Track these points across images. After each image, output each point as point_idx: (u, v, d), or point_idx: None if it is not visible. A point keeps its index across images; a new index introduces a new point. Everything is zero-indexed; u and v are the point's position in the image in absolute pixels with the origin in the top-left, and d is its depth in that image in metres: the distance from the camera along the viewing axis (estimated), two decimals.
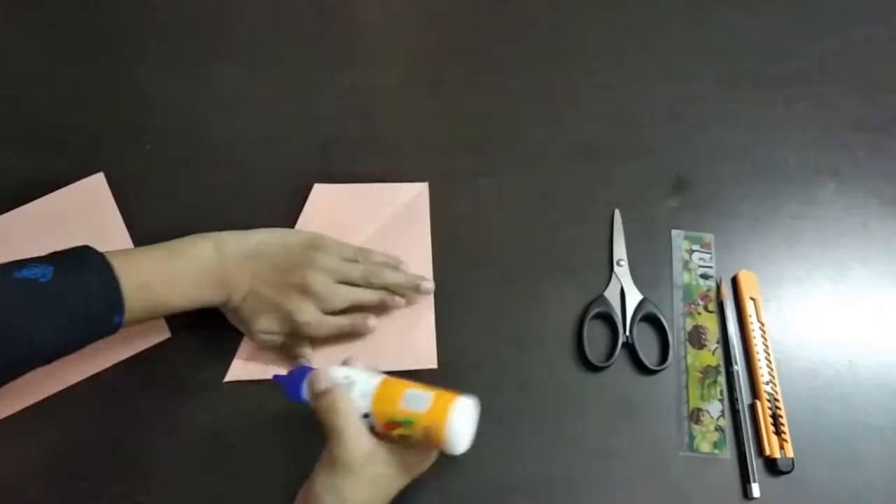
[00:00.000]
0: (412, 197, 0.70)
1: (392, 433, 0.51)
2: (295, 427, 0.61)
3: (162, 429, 0.61)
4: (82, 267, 0.52)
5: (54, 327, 0.51)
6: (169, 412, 0.61)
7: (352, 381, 0.52)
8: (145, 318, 0.56)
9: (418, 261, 0.66)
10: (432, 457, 0.53)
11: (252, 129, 0.74)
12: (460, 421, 0.49)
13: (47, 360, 0.53)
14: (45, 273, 0.50)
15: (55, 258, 0.52)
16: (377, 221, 0.69)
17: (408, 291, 0.64)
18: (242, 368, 0.62)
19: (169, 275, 0.56)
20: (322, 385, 0.50)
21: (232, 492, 0.59)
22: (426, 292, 0.64)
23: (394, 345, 0.63)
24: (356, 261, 0.62)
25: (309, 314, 0.59)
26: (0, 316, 0.49)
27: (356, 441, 0.49)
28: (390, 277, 0.63)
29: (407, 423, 0.50)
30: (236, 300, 0.59)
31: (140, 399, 0.61)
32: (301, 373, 0.53)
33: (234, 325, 0.62)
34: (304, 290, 0.59)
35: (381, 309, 0.63)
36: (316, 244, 0.61)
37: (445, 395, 0.50)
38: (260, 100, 0.76)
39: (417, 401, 0.50)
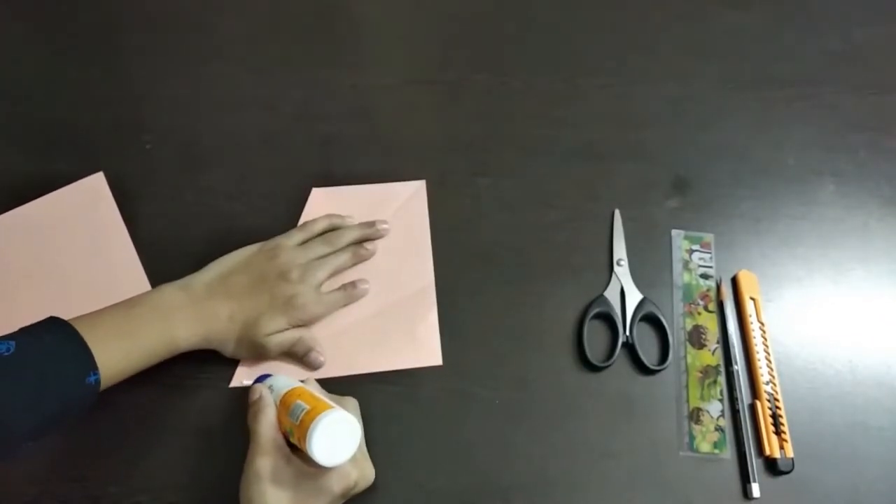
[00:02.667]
0: (410, 195, 0.70)
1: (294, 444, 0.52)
2: None
3: (162, 429, 0.61)
4: (44, 331, 0.50)
5: (25, 400, 0.47)
6: (169, 412, 0.61)
7: (272, 389, 0.54)
8: (127, 372, 0.55)
9: (419, 258, 0.67)
10: (336, 480, 0.51)
11: (252, 129, 0.74)
12: (322, 434, 0.49)
13: (25, 439, 0.49)
14: (9, 347, 0.48)
15: (19, 332, 0.50)
16: (376, 219, 0.69)
17: (373, 241, 0.67)
18: (247, 374, 0.62)
19: (136, 320, 0.55)
20: (253, 395, 0.55)
21: (232, 491, 0.59)
22: (383, 232, 0.67)
23: (398, 344, 0.64)
24: (307, 240, 0.65)
25: (307, 296, 0.61)
26: None
27: (264, 451, 0.51)
28: (347, 235, 0.66)
29: (290, 433, 0.51)
30: (221, 328, 0.58)
31: (140, 399, 0.61)
32: (261, 378, 0.57)
33: (240, 357, 0.61)
34: (287, 279, 0.60)
35: (357, 259, 0.65)
36: (267, 248, 0.63)
37: (319, 407, 0.50)
38: (260, 100, 0.76)
39: (297, 411, 0.51)
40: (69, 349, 0.50)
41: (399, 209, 0.69)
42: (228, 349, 0.60)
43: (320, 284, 0.63)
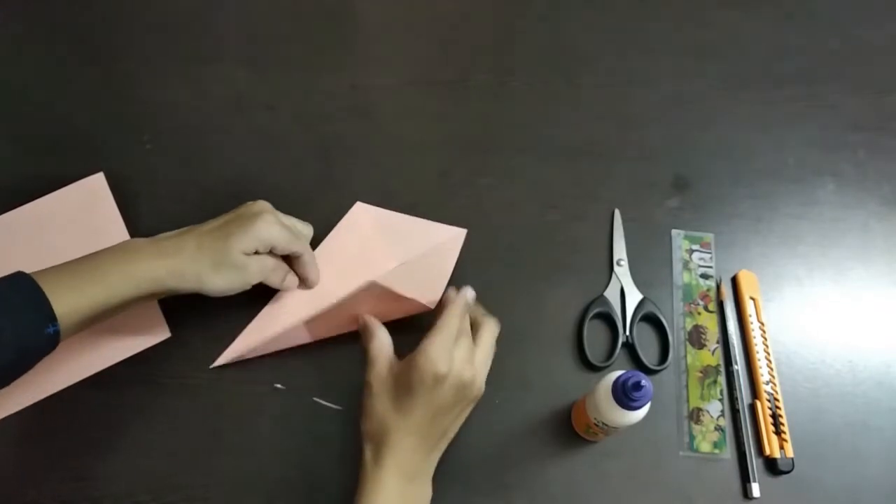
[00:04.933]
0: (447, 239, 0.68)
1: None
2: (294, 427, 0.61)
3: (162, 429, 0.61)
4: (5, 285, 0.51)
5: None
6: (169, 412, 0.61)
7: None
8: (92, 316, 0.54)
9: (430, 293, 0.62)
10: (423, 372, 0.53)
11: (252, 129, 0.74)
12: None
13: None
14: None
15: None
16: (406, 254, 0.67)
17: None
18: (229, 357, 0.63)
19: (97, 263, 0.55)
20: (361, 321, 0.60)
21: (232, 491, 0.59)
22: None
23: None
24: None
25: (268, 216, 0.60)
26: None
27: (372, 366, 0.56)
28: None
29: None
30: (187, 258, 0.57)
31: (140, 399, 0.61)
32: None
33: (218, 290, 0.58)
34: (250, 209, 0.61)
35: (308, 257, 0.64)
36: (244, 204, 0.62)
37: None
38: (260, 100, 0.76)
39: None
40: (27, 300, 0.50)
41: (432, 249, 0.67)
42: (203, 282, 0.57)
43: (283, 237, 0.61)
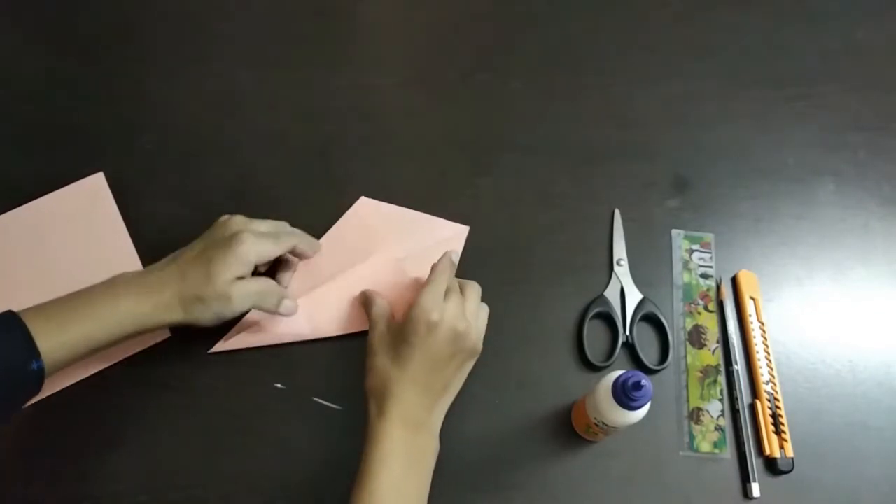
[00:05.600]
0: (450, 235, 0.69)
1: None
2: (295, 427, 0.61)
3: (162, 429, 0.61)
4: None
5: None
6: (169, 412, 0.61)
7: None
8: (78, 352, 0.53)
9: None
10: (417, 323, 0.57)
11: (252, 129, 0.74)
12: None
13: None
14: None
15: None
16: (408, 249, 0.68)
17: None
18: (231, 344, 0.63)
19: (84, 300, 0.54)
20: (362, 294, 0.64)
21: (232, 491, 0.59)
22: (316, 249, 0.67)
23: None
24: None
25: (249, 236, 0.58)
26: None
27: (373, 327, 0.61)
28: (293, 239, 0.64)
29: None
30: (172, 292, 0.56)
31: (140, 399, 0.61)
32: None
33: (207, 322, 0.58)
34: (229, 229, 0.59)
35: (303, 244, 0.64)
36: (220, 221, 0.62)
37: None
38: (260, 100, 0.76)
39: None
40: (12, 337, 0.50)
41: (434, 245, 0.68)
42: (188, 316, 0.57)
43: (268, 253, 0.60)
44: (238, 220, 0.61)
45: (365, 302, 0.64)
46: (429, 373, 0.57)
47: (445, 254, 0.62)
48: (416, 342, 0.56)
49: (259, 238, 0.59)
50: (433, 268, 0.60)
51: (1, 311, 0.52)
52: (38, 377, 0.51)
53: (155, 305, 0.55)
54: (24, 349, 0.50)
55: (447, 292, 0.59)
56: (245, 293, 0.58)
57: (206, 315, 0.57)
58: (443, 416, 0.59)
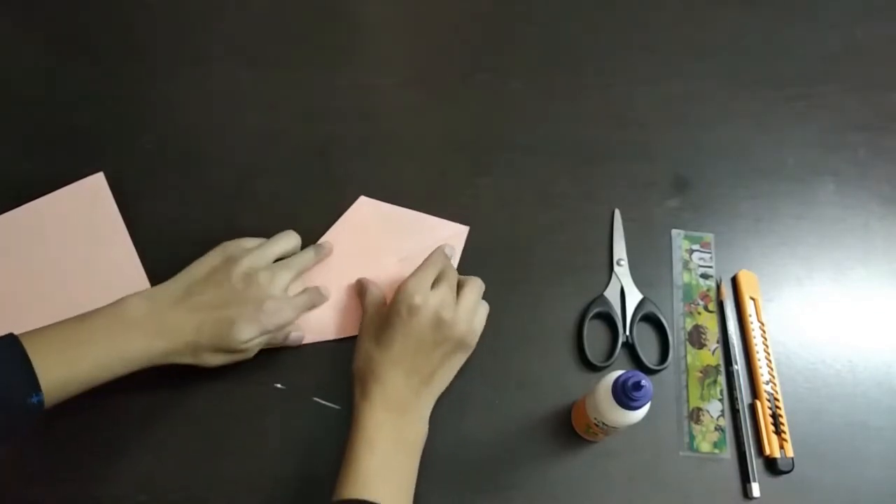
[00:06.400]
0: (450, 235, 0.69)
1: None
2: (295, 429, 0.61)
3: (162, 429, 0.61)
4: None
5: None
6: (169, 412, 0.61)
7: None
8: (77, 387, 0.52)
9: None
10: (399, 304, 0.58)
11: (252, 129, 0.74)
12: None
13: None
14: None
15: None
16: (407, 250, 0.68)
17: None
18: None
19: (90, 333, 0.53)
20: (357, 282, 0.65)
21: (232, 491, 0.59)
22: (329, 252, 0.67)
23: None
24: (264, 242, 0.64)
25: (277, 301, 0.59)
26: None
27: (366, 314, 0.62)
28: (294, 239, 0.65)
29: None
30: (186, 341, 0.56)
31: (140, 399, 0.61)
32: None
33: (210, 365, 0.59)
34: (255, 286, 0.59)
35: (319, 256, 0.65)
36: (228, 254, 0.61)
37: None
38: (260, 100, 0.76)
39: None
40: (13, 368, 0.49)
41: (434, 245, 0.67)
42: (197, 360, 0.57)
43: (287, 287, 0.62)
44: (255, 260, 0.60)
45: (359, 290, 0.65)
46: (412, 356, 0.57)
47: (439, 247, 0.63)
48: (399, 324, 0.57)
49: (281, 289, 0.60)
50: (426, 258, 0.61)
51: (3, 334, 0.50)
52: (37, 410, 0.49)
53: (166, 351, 0.55)
54: (25, 382, 0.48)
55: (438, 281, 0.60)
56: (258, 344, 0.59)
57: (215, 362, 0.58)
58: (431, 403, 0.59)
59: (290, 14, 0.82)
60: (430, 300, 0.58)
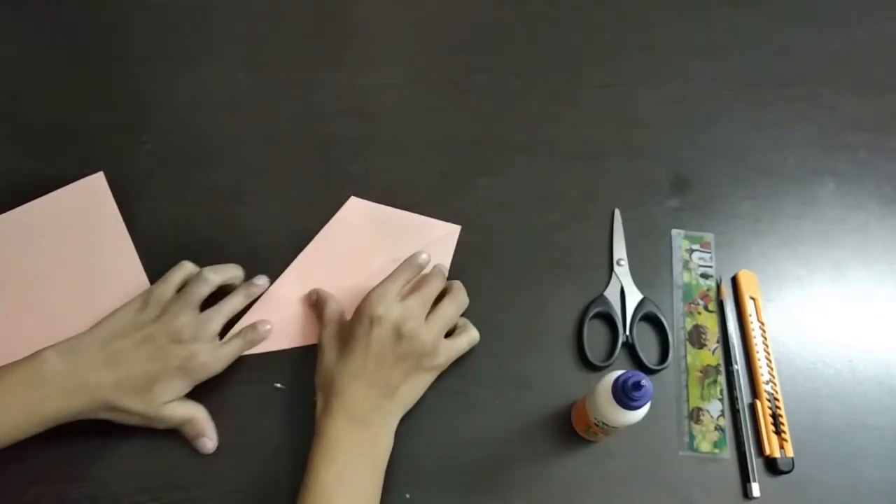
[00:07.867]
0: (442, 235, 0.69)
1: None
2: (294, 427, 0.61)
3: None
4: None
5: None
6: None
7: None
8: None
9: None
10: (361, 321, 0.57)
11: (252, 128, 0.74)
12: None
13: None
14: None
15: None
16: (399, 250, 0.66)
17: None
18: None
19: (2, 393, 0.51)
20: (311, 297, 0.64)
21: (232, 491, 0.59)
22: (260, 290, 0.63)
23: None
24: (187, 282, 0.61)
25: (203, 354, 0.57)
26: None
27: (324, 327, 0.61)
28: (229, 270, 0.62)
29: None
30: (103, 399, 0.54)
31: None
32: None
33: (130, 424, 0.57)
34: (179, 339, 0.56)
35: (250, 298, 0.62)
36: (148, 300, 0.59)
37: None
38: (260, 100, 0.76)
39: None
40: None
41: (427, 245, 0.67)
42: (115, 417, 0.56)
43: (215, 336, 0.59)
44: (181, 308, 0.57)
45: (317, 303, 0.63)
46: (374, 369, 0.56)
47: (413, 254, 0.61)
48: (360, 335, 0.56)
49: (209, 338, 0.58)
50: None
51: None
52: None
53: (82, 409, 0.54)
54: None
55: (412, 294, 0.59)
56: (171, 417, 0.57)
57: (130, 421, 0.56)
58: (397, 416, 0.58)
59: (290, 14, 0.82)
60: (393, 311, 0.56)
